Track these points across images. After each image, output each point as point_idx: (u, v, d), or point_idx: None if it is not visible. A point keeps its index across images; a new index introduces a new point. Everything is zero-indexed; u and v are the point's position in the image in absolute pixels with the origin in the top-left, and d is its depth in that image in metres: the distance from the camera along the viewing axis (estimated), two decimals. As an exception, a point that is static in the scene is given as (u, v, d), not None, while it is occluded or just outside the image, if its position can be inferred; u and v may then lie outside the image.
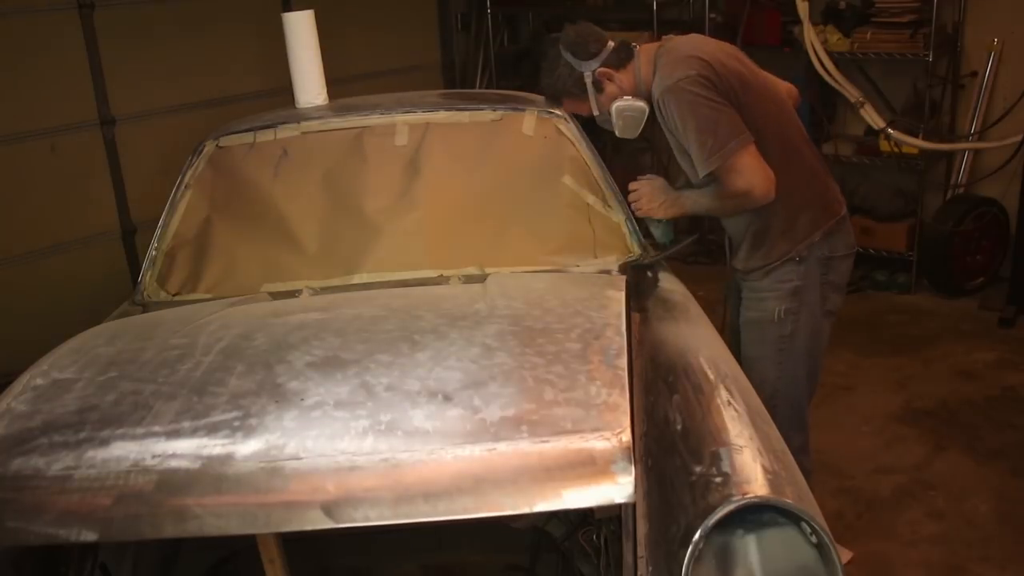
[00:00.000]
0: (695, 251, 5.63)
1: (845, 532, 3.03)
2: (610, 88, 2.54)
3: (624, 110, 2.54)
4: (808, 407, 2.76)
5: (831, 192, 2.64)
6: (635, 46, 2.56)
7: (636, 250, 2.67)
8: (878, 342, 4.50)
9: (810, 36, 4.79)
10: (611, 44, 2.54)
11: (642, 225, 2.74)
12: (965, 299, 4.90)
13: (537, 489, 1.56)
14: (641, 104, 2.52)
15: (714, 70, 2.40)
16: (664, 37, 2.62)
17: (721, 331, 2.47)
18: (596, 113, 2.61)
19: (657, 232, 2.68)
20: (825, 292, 2.63)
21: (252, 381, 1.81)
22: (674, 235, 2.70)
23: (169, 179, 2.93)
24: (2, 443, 1.74)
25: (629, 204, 2.67)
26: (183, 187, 2.83)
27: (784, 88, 2.71)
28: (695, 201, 2.57)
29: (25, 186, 4.08)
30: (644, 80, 2.52)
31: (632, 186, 2.66)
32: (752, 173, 2.40)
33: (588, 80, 2.54)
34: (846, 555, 2.89)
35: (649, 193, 2.61)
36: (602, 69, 2.52)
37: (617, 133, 2.61)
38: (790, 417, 2.62)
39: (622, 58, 2.54)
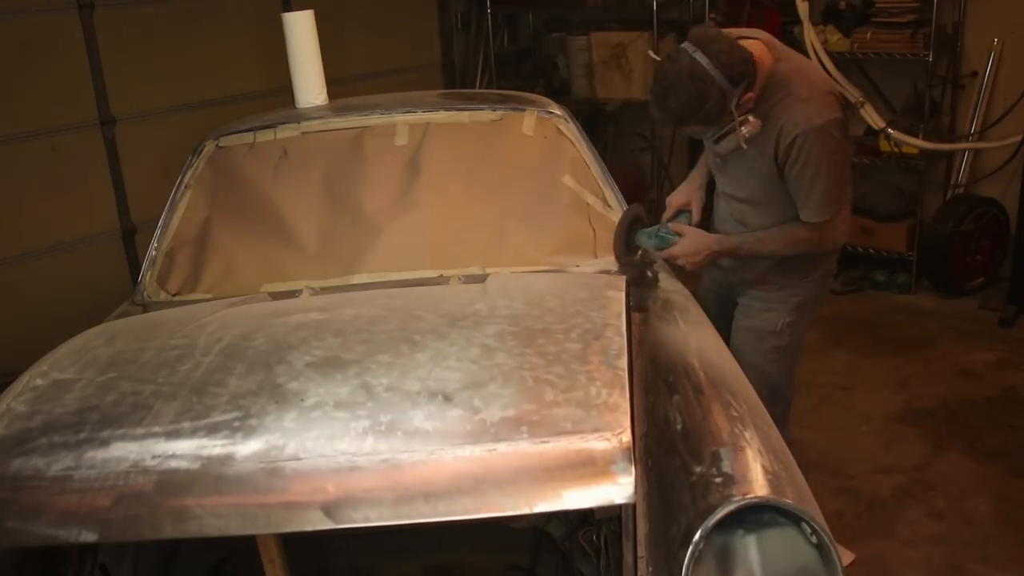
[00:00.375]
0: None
1: (845, 532, 3.03)
2: (742, 109, 2.32)
3: (752, 135, 2.34)
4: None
5: None
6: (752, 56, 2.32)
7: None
8: (878, 342, 4.50)
9: (810, 36, 4.79)
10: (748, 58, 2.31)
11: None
12: (965, 299, 4.90)
13: (537, 489, 1.56)
14: (759, 123, 2.34)
15: (844, 121, 2.37)
16: (772, 46, 2.39)
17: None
18: (740, 143, 2.34)
19: (651, 243, 2.56)
20: (815, 307, 2.73)
21: (252, 381, 1.81)
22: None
23: (169, 179, 2.93)
24: (2, 443, 1.74)
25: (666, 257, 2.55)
26: (183, 187, 2.83)
27: None
28: (753, 249, 2.55)
29: (25, 186, 4.08)
30: (757, 95, 2.34)
31: (672, 254, 2.53)
32: (845, 229, 2.52)
33: (733, 104, 2.28)
34: (848, 557, 2.89)
35: (691, 250, 2.51)
36: (749, 95, 2.30)
37: (720, 151, 2.46)
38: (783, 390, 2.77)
39: (755, 75, 2.32)
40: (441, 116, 2.86)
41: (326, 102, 3.20)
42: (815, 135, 2.30)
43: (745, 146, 2.35)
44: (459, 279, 2.48)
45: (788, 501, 1.51)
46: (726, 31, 2.39)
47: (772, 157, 2.41)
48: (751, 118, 2.31)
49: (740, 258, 2.63)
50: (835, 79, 4.79)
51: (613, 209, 2.73)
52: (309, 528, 1.56)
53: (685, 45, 2.28)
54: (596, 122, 5.95)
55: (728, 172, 2.60)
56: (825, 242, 2.53)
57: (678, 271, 2.61)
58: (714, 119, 2.30)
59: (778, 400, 2.70)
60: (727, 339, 2.71)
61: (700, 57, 2.23)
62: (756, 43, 2.38)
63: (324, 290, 2.49)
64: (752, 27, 2.60)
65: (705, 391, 1.83)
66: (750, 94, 2.30)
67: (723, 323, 2.73)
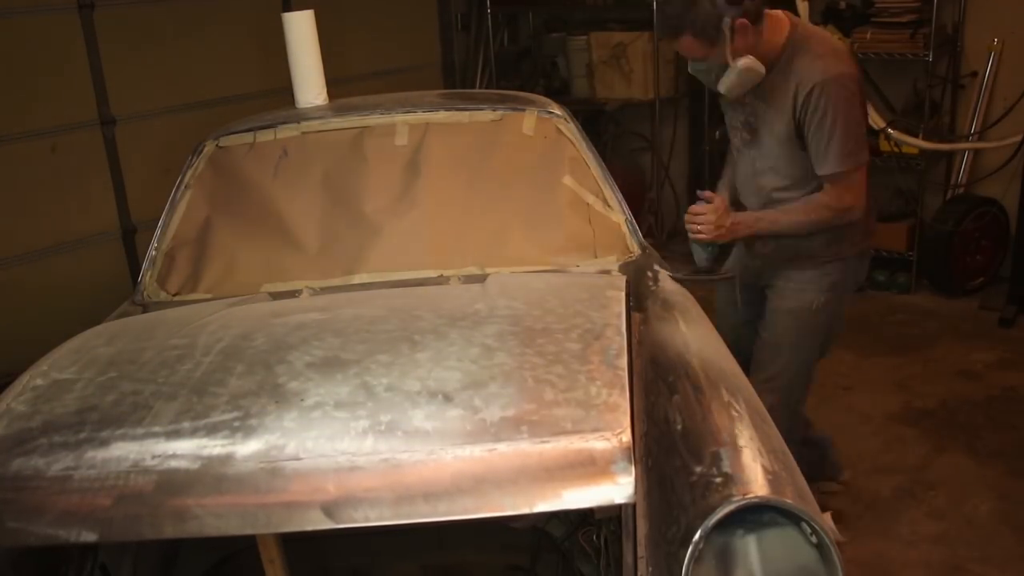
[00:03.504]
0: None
1: (845, 532, 3.03)
2: (739, 42, 2.44)
3: (748, 69, 2.46)
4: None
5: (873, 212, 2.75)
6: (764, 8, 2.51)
7: (636, 250, 2.67)
8: (878, 342, 4.50)
9: (810, 36, 4.79)
10: None
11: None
12: (965, 299, 4.90)
13: (537, 489, 1.56)
14: (762, 69, 2.47)
15: (859, 77, 2.47)
16: (787, 13, 2.57)
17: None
18: (728, 62, 2.47)
19: (703, 256, 2.70)
20: (848, 287, 2.77)
21: (252, 381, 1.81)
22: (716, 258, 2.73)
23: (169, 179, 2.93)
24: (2, 443, 1.74)
25: (691, 232, 2.65)
26: (183, 187, 2.83)
27: None
28: (774, 220, 2.63)
29: (25, 186, 4.08)
30: (767, 46, 2.48)
31: (694, 210, 2.64)
32: (861, 192, 2.53)
33: (726, 25, 2.41)
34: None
35: (714, 219, 2.60)
36: (742, 20, 2.42)
37: (721, 89, 2.55)
38: (793, 409, 2.81)
39: (759, 16, 2.47)
40: (441, 116, 2.85)
41: (326, 102, 3.20)
42: (832, 84, 2.41)
43: (730, 74, 2.46)
44: (459, 279, 2.48)
45: (788, 501, 1.51)
46: None
47: (791, 115, 2.50)
48: (751, 57, 2.44)
49: (763, 233, 2.66)
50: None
51: (613, 209, 2.73)
52: (309, 528, 1.56)
53: None
54: (596, 122, 5.95)
55: (752, 146, 2.67)
56: (844, 207, 2.54)
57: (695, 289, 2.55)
58: (708, 34, 2.42)
59: (802, 383, 2.83)
60: (757, 325, 2.84)
61: None
62: (778, 11, 2.57)
63: (324, 290, 2.49)
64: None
65: (705, 391, 1.83)
66: (744, 21, 2.40)
67: (753, 309, 2.86)
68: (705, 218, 2.62)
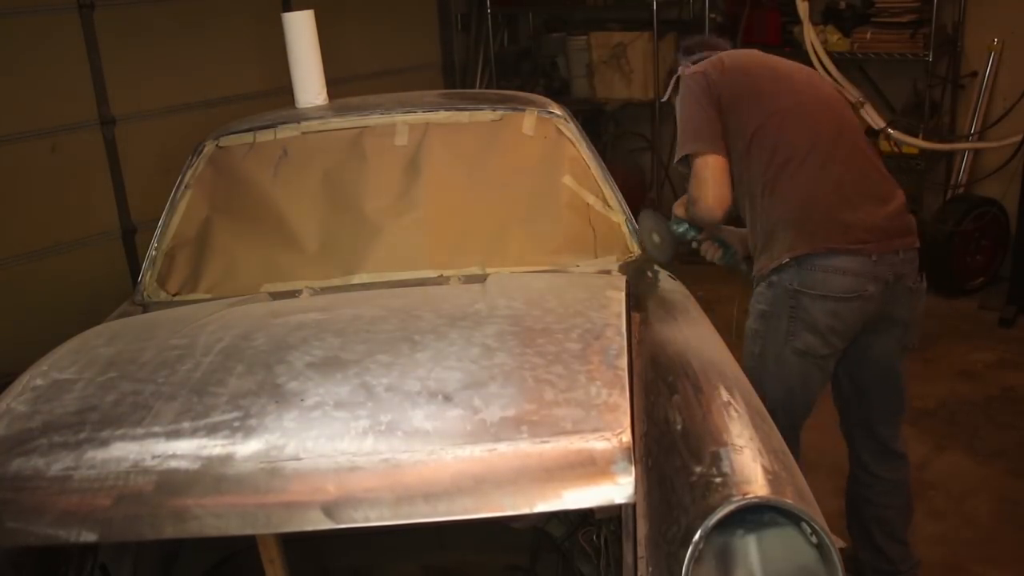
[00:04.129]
0: (694, 251, 5.63)
1: (845, 532, 3.03)
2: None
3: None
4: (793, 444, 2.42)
5: (832, 222, 2.33)
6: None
7: (636, 250, 2.67)
8: (878, 342, 4.49)
9: (810, 36, 4.80)
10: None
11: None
12: (965, 299, 4.90)
13: (537, 489, 1.56)
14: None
15: (713, 74, 2.45)
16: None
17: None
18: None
19: (721, 257, 2.74)
20: (793, 328, 2.36)
21: (252, 381, 1.81)
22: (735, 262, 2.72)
23: (169, 179, 2.93)
24: (2, 443, 1.74)
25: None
26: (183, 187, 2.83)
27: (838, 99, 2.58)
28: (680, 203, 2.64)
29: (25, 186, 4.08)
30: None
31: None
32: (704, 185, 2.40)
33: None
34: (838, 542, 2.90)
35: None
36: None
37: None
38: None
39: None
40: (441, 116, 2.86)
41: (326, 102, 3.20)
42: (680, 82, 2.54)
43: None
44: (459, 279, 2.48)
45: (788, 501, 1.51)
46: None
47: None
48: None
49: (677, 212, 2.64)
50: (835, 79, 4.80)
51: (613, 209, 2.73)
52: (309, 528, 1.56)
53: None
54: (596, 122, 5.96)
55: None
56: (691, 198, 2.45)
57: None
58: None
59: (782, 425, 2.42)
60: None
61: None
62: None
63: (324, 290, 2.49)
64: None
65: (705, 391, 1.83)
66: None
67: None
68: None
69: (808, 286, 2.32)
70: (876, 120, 4.80)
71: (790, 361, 2.40)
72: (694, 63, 2.54)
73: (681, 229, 2.64)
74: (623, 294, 2.19)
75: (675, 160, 2.52)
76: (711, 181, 2.39)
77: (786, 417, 2.37)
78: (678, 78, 2.57)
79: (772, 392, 2.34)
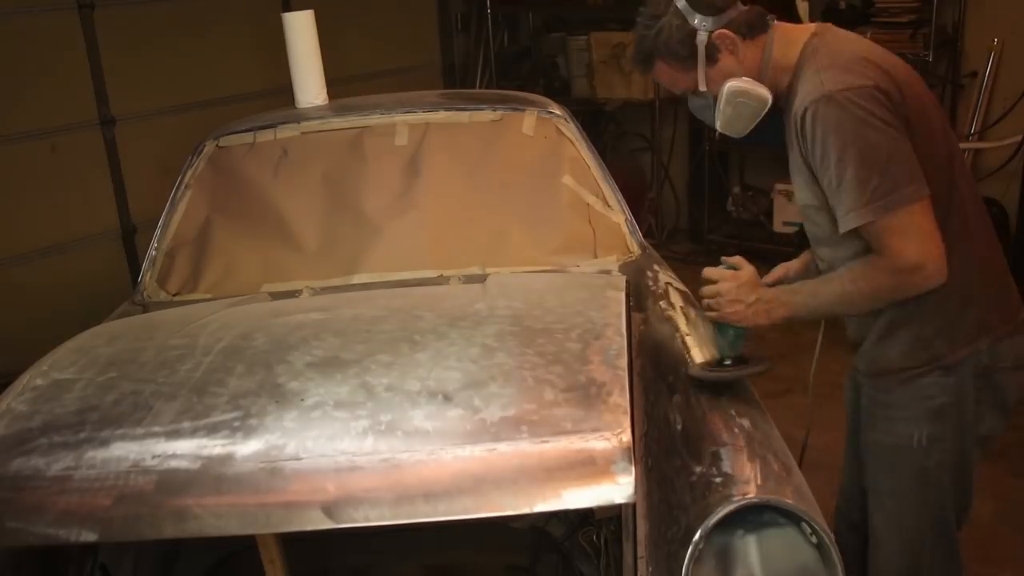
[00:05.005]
0: (694, 251, 5.65)
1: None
2: (726, 61, 1.87)
3: (739, 94, 1.86)
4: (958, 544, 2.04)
5: (1008, 286, 1.96)
6: (772, 18, 1.93)
7: (636, 250, 2.67)
8: (878, 342, 4.48)
9: (810, 36, 4.78)
10: (741, 5, 1.89)
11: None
12: (965, 299, 4.88)
13: (537, 489, 1.56)
14: (763, 92, 1.85)
15: (897, 86, 1.77)
16: (820, 24, 2.00)
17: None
18: (701, 88, 1.91)
19: (723, 342, 1.93)
20: (980, 412, 1.93)
21: (252, 381, 1.81)
22: (741, 348, 1.94)
23: (169, 179, 2.93)
24: (2, 443, 1.74)
25: (703, 306, 1.94)
26: (183, 187, 2.83)
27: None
28: (812, 297, 1.86)
29: (25, 186, 4.08)
30: (777, 66, 1.89)
31: (707, 274, 1.92)
32: (926, 239, 1.72)
33: (701, 42, 1.86)
34: None
35: (734, 291, 1.87)
36: (723, 31, 1.85)
37: (718, 126, 1.93)
38: (944, 568, 2.00)
39: (753, 26, 1.88)
40: (441, 116, 2.86)
41: (326, 102, 3.20)
42: (826, 105, 1.73)
43: (720, 104, 1.89)
44: (459, 279, 2.48)
45: (788, 501, 1.51)
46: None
47: (799, 152, 1.84)
48: (747, 79, 1.87)
49: (803, 313, 1.88)
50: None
51: (613, 209, 2.73)
52: (309, 528, 1.56)
53: None
54: (596, 122, 5.95)
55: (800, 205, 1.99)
56: (906, 264, 1.74)
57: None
58: (680, 55, 1.88)
59: (940, 544, 1.98)
60: (860, 454, 2.09)
61: None
62: (803, 24, 2.09)
63: (324, 290, 2.49)
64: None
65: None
66: (725, 32, 1.85)
67: (854, 435, 2.19)
68: (718, 288, 1.89)
69: (1003, 360, 1.91)
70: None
71: (972, 458, 1.98)
72: (731, 27, 1.86)
73: (725, 339, 1.94)
74: (623, 294, 2.19)
75: (847, 228, 1.76)
76: (930, 231, 1.74)
77: (959, 519, 2.02)
78: (710, 43, 1.86)
79: (945, 505, 1.97)
